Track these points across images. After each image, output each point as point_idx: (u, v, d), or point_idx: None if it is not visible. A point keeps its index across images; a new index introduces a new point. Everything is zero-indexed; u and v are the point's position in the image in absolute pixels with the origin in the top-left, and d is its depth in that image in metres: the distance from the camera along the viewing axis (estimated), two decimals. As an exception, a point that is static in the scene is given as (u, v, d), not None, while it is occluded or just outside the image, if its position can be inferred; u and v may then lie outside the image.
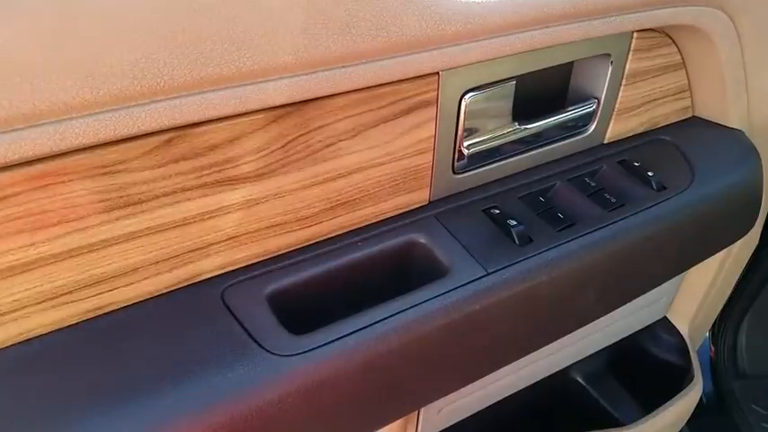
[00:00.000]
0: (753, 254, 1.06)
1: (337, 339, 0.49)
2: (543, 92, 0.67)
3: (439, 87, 0.53)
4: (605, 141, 0.71)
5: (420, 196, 0.59)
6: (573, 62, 0.67)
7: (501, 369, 0.79)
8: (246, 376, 0.45)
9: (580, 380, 1.01)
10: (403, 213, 0.59)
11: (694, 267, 0.96)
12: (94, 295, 0.46)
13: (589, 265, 0.60)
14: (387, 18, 0.46)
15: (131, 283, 0.47)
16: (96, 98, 0.38)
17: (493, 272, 0.55)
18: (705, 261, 0.93)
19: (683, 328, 1.04)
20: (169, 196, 0.45)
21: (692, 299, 1.01)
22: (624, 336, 1.01)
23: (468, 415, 0.87)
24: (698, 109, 0.77)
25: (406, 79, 0.51)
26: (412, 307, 0.51)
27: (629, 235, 0.62)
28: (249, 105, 0.44)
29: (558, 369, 0.95)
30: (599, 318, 0.67)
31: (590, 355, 1.00)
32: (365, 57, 0.46)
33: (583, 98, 0.67)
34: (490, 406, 0.89)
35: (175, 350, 0.46)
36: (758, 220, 0.94)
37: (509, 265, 0.56)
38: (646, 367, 1.07)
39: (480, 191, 0.63)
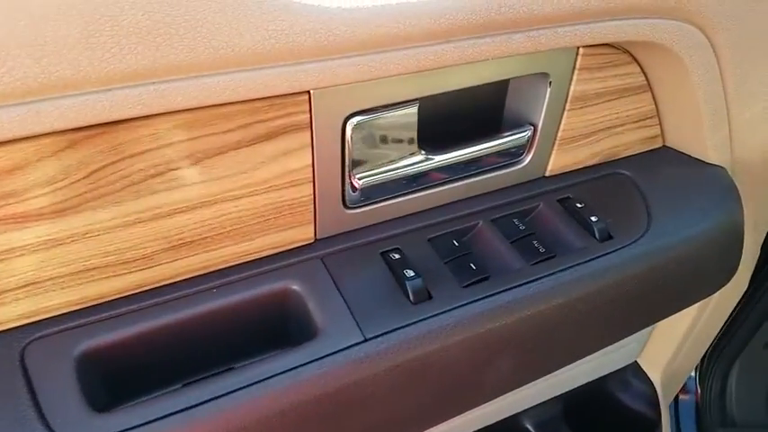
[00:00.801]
0: (743, 297, 0.94)
1: (152, 422, 0.39)
2: (471, 117, 0.56)
3: (311, 109, 0.43)
4: (547, 175, 0.60)
5: (302, 234, 0.49)
6: (508, 82, 0.56)
7: None
8: None
9: (531, 429, 0.90)
10: (282, 253, 0.49)
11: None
12: None
13: (501, 329, 0.49)
14: (216, 23, 0.36)
15: None
16: None
17: (372, 338, 0.45)
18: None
19: (655, 376, 0.93)
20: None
21: (665, 345, 0.90)
22: (587, 381, 0.90)
23: None
24: (669, 139, 0.65)
25: (260, 99, 0.41)
26: (255, 383, 0.42)
27: (555, 295, 0.51)
28: (29, 128, 0.34)
29: (507, 415, 0.85)
30: (518, 387, 0.56)
31: (546, 405, 0.89)
32: (187, 70, 0.36)
33: (518, 124, 0.56)
34: None
35: None
36: (745, 266, 0.83)
37: (393, 331, 0.46)
38: (608, 417, 0.96)
39: (382, 228, 0.53)
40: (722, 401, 1.21)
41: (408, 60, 0.43)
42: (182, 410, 0.39)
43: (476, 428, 0.82)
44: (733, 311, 1.01)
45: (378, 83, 0.45)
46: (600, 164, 0.62)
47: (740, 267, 0.66)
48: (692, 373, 1.22)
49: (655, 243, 0.55)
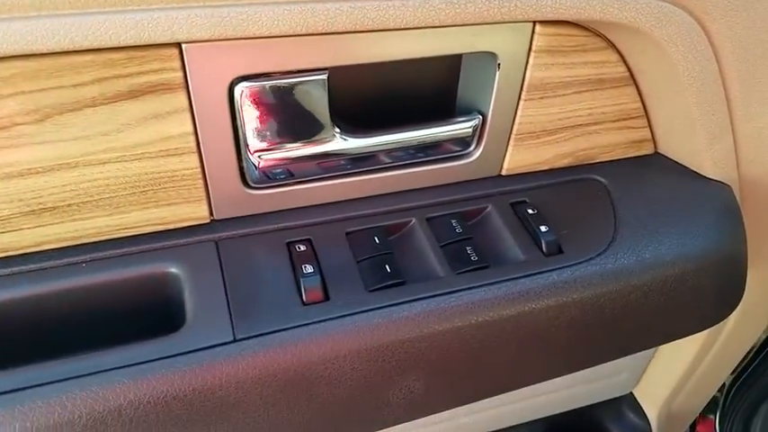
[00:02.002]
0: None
1: None
2: (415, 100, 0.49)
3: (185, 67, 0.37)
4: (503, 174, 0.52)
5: (193, 212, 0.44)
6: (460, 64, 0.49)
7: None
8: None
9: None
10: (173, 231, 0.44)
11: (663, 345, 0.75)
12: None
13: (407, 344, 0.43)
14: None
15: None
16: None
17: (242, 339, 0.40)
18: (674, 343, 0.73)
19: (652, 412, 0.83)
20: None
21: (664, 379, 0.80)
22: (575, 407, 0.81)
23: None
24: (662, 145, 0.56)
25: (113, 49, 0.35)
26: (89, 374, 0.37)
27: (478, 311, 0.44)
28: None
29: None
30: (431, 414, 0.49)
31: (527, 425, 0.81)
32: (9, 10, 0.32)
33: (467, 113, 0.49)
34: None
35: None
36: (764, 299, 0.72)
37: (270, 333, 0.40)
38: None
39: (295, 216, 0.47)
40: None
41: (302, 17, 0.36)
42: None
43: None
44: (755, 348, 0.90)
45: (275, 44, 0.39)
46: (571, 167, 0.54)
47: (758, 300, 0.57)
48: (715, 417, 1.10)
49: (612, 264, 0.47)
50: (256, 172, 0.44)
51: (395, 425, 0.48)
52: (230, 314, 0.41)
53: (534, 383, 0.52)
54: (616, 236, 0.49)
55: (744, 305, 0.69)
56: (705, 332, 0.72)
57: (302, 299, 0.42)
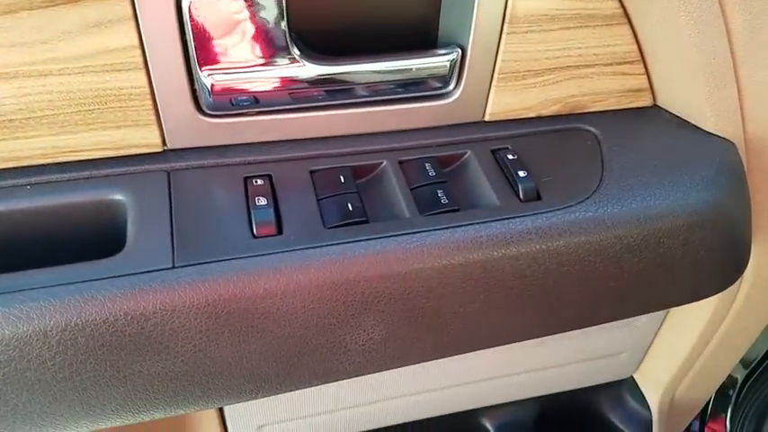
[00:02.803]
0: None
1: None
2: (389, 27, 0.46)
3: None
4: (486, 119, 0.49)
5: (144, 138, 0.42)
6: None
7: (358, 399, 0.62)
8: None
9: (490, 429, 0.79)
10: (124, 158, 0.42)
11: (666, 324, 0.71)
12: None
13: (364, 285, 0.40)
14: None
15: None
16: None
17: (181, 266, 0.37)
18: (679, 315, 0.68)
19: (653, 397, 0.79)
20: None
21: (666, 364, 0.76)
22: (567, 389, 0.77)
23: None
24: (662, 96, 0.52)
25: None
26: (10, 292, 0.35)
27: (442, 254, 0.41)
28: None
29: (465, 408, 0.74)
30: (394, 367, 0.46)
31: (515, 405, 0.78)
32: None
33: (447, 45, 0.46)
34: None
35: None
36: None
37: (211, 262, 0.37)
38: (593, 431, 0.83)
39: (256, 151, 0.44)
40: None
41: None
42: None
43: (424, 416, 0.73)
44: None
45: None
46: (561, 116, 0.50)
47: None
48: (726, 415, 1.05)
49: (592, 213, 0.43)
50: (210, 97, 0.42)
51: (356, 375, 0.45)
52: (172, 242, 0.38)
53: (505, 343, 0.48)
54: (601, 185, 0.45)
55: (750, 284, 0.64)
56: (709, 311, 0.67)
57: (253, 232, 0.40)
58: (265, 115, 0.44)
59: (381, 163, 0.45)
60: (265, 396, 0.43)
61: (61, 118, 0.39)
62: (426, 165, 0.45)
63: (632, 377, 0.80)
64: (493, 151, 0.47)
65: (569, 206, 0.44)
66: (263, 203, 0.40)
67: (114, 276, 0.36)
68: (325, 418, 0.67)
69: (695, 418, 0.99)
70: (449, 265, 0.41)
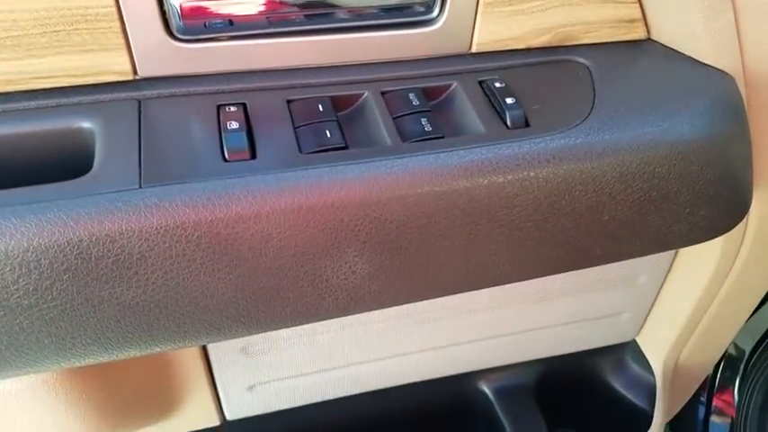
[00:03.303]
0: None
1: None
2: None
3: None
4: (473, 51, 0.47)
5: (114, 63, 0.40)
6: None
7: (357, 359, 0.61)
8: None
9: (487, 393, 0.77)
10: (91, 86, 0.41)
11: (667, 283, 0.69)
12: None
13: (343, 211, 0.38)
14: None
15: None
16: None
17: (148, 187, 0.36)
18: (680, 273, 0.66)
19: (657, 362, 0.77)
20: None
21: (668, 325, 0.73)
22: (566, 352, 0.75)
23: (301, 404, 0.67)
24: (656, 29, 0.50)
25: None
26: None
27: (425, 178, 0.39)
28: None
29: (460, 371, 0.72)
30: (376, 307, 0.44)
31: (514, 369, 0.76)
32: None
33: None
34: (336, 400, 0.69)
35: None
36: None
37: (179, 183, 0.36)
38: (589, 399, 0.80)
39: (230, 80, 0.43)
40: (762, 420, 1.01)
41: None
42: None
43: (419, 379, 0.71)
44: None
45: None
46: (552, 48, 0.49)
47: None
48: (734, 386, 1.03)
49: (582, 138, 0.42)
50: (180, 20, 0.40)
51: (339, 314, 0.43)
52: (140, 166, 0.37)
53: (492, 285, 0.47)
54: (592, 113, 0.43)
55: (753, 238, 0.62)
56: (711, 268, 0.65)
57: (224, 156, 0.38)
58: (240, 40, 0.42)
59: (363, 94, 0.44)
60: (245, 334, 0.42)
61: (27, 40, 0.38)
62: (410, 95, 0.44)
63: (635, 341, 0.78)
64: (480, 82, 0.45)
65: (559, 132, 0.42)
66: (234, 127, 0.39)
67: (78, 197, 0.34)
68: (317, 378, 0.65)
69: (702, 389, 0.97)
70: (432, 192, 0.39)
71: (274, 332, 0.59)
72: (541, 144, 0.41)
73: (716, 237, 0.52)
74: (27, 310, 0.35)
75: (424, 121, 0.42)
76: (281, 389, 0.65)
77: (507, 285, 0.63)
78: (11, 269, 0.34)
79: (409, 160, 0.39)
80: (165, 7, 0.39)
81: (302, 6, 0.42)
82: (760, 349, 1.00)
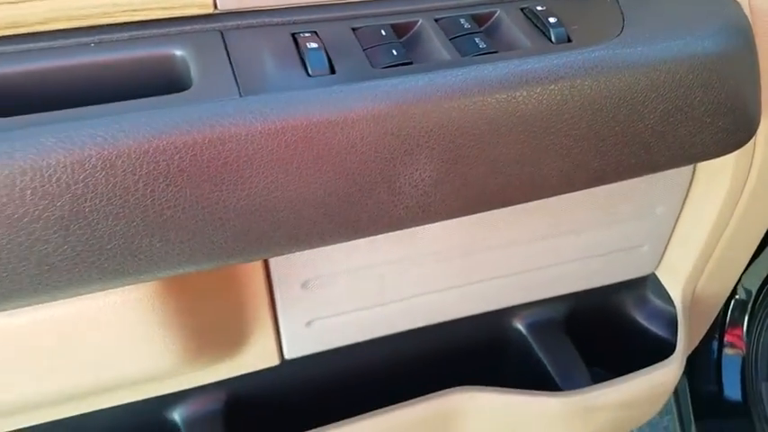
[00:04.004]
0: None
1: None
2: None
3: None
4: None
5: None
6: None
7: (402, 292, 0.64)
8: None
9: (521, 329, 0.82)
10: (175, 20, 0.45)
11: (683, 214, 0.74)
12: None
13: (414, 125, 0.42)
14: None
15: None
16: None
17: (249, 96, 0.40)
18: (694, 208, 0.72)
19: (675, 292, 0.82)
20: None
21: (685, 255, 0.79)
22: (592, 286, 0.80)
23: (353, 342, 0.72)
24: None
25: None
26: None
27: (485, 87, 0.43)
28: None
29: (493, 308, 0.77)
30: (451, 216, 0.48)
31: (544, 305, 0.81)
32: None
33: None
34: (384, 338, 0.73)
35: None
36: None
37: (275, 93, 0.40)
38: (615, 332, 0.85)
39: (300, 12, 0.47)
40: (772, 356, 1.07)
41: None
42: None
43: (454, 317, 0.75)
44: None
45: None
46: (580, -19, 0.54)
47: None
48: (743, 323, 1.08)
49: (620, 50, 0.47)
50: None
51: (409, 224, 0.48)
52: (236, 81, 0.41)
53: (549, 195, 0.51)
54: (624, 31, 0.49)
55: (761, 162, 0.67)
56: (722, 194, 0.70)
57: (308, 72, 0.42)
58: (310, -23, 0.47)
59: (418, 21, 0.48)
60: (329, 243, 0.46)
61: (124, -27, 0.42)
62: (461, 20, 0.48)
63: (654, 274, 0.83)
64: (522, 9, 0.50)
65: (599, 45, 0.47)
66: (314, 46, 0.43)
67: (190, 104, 0.39)
68: (370, 313, 0.69)
69: (715, 327, 1.03)
70: (493, 98, 0.44)
71: (334, 266, 0.63)
72: (585, 54, 0.46)
73: (732, 150, 0.57)
74: (144, 212, 0.39)
75: (477, 39, 0.47)
76: (335, 325, 0.69)
77: (534, 221, 0.68)
78: (132, 171, 0.38)
79: (471, 69, 0.44)
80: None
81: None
82: (765, 290, 1.06)
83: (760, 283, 1.05)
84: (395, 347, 0.75)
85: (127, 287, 0.50)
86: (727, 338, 1.05)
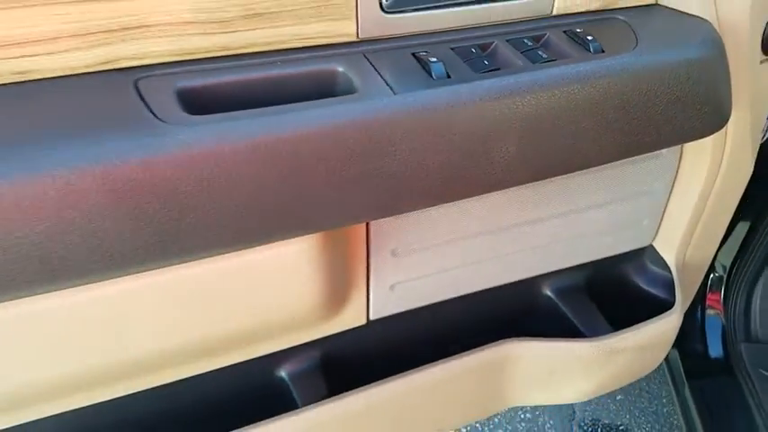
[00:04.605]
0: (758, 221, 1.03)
1: (236, 121, 0.53)
2: None
3: None
4: (554, 13, 0.72)
5: (346, 28, 0.63)
6: None
7: (463, 261, 0.81)
8: (141, 141, 0.50)
9: (551, 294, 1.00)
10: (329, 45, 0.63)
11: (678, 183, 0.94)
12: (16, 57, 0.52)
13: (507, 111, 0.61)
14: None
15: (52, 53, 0.53)
16: None
17: (401, 94, 0.58)
18: (682, 185, 0.92)
19: (670, 258, 1.01)
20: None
21: (677, 227, 0.98)
22: (604, 256, 0.99)
23: (424, 304, 0.88)
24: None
25: None
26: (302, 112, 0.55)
27: (552, 84, 0.62)
28: None
29: (526, 276, 0.95)
30: (522, 182, 0.67)
31: (566, 274, 0.99)
32: None
33: None
34: (446, 301, 0.90)
35: (83, 116, 0.51)
36: (749, 151, 0.91)
37: (418, 90, 0.58)
38: (625, 294, 1.04)
39: (413, 37, 0.66)
40: (747, 319, 1.27)
41: None
42: (262, 117, 0.53)
43: (500, 282, 0.93)
44: (751, 230, 1.09)
45: None
46: (600, 11, 0.74)
47: (744, 144, 0.76)
48: (720, 292, 1.29)
49: (639, 58, 0.66)
50: (388, 1, 0.63)
51: (497, 187, 0.66)
52: (389, 86, 0.59)
53: (592, 165, 0.70)
54: (638, 45, 0.68)
55: (731, 148, 0.88)
56: (704, 173, 0.90)
57: (432, 77, 0.61)
58: (423, 11, 0.65)
59: (494, 42, 0.67)
60: (442, 202, 0.64)
61: (300, 12, 0.60)
62: (524, 39, 0.68)
63: (652, 246, 1.03)
64: (564, 31, 0.70)
65: (623, 54, 0.66)
66: (434, 60, 0.62)
67: (364, 101, 0.56)
68: (444, 276, 0.86)
69: (698, 297, 1.23)
70: (557, 92, 0.63)
71: (420, 237, 0.80)
72: (617, 60, 0.65)
73: (713, 132, 0.77)
74: (326, 178, 0.56)
75: (540, 52, 0.66)
76: (411, 289, 0.86)
77: (556, 201, 0.86)
78: (331, 146, 0.55)
79: (542, 71, 0.63)
80: (383, -6, 0.62)
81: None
82: (737, 264, 1.27)
83: (732, 257, 1.26)
84: (453, 309, 0.92)
85: (291, 240, 0.66)
86: (708, 304, 1.25)
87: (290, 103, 0.58)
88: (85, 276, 0.51)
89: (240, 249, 0.58)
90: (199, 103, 0.56)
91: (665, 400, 1.93)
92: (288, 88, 0.60)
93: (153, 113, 0.52)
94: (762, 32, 0.79)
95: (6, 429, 0.72)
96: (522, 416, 1.90)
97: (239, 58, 0.59)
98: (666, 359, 1.35)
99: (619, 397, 1.94)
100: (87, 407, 0.74)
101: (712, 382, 1.26)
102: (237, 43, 0.59)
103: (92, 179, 0.48)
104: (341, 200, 0.58)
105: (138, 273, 0.54)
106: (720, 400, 1.24)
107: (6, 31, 0.51)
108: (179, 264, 0.55)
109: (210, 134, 0.51)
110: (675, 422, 1.89)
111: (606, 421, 1.89)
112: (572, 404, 1.91)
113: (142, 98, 0.54)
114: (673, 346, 1.28)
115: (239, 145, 0.52)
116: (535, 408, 1.92)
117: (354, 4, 0.62)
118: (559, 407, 1.93)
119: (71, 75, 0.54)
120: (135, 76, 0.56)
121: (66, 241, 0.48)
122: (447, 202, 0.64)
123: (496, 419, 1.88)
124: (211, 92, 0.57)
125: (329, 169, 0.56)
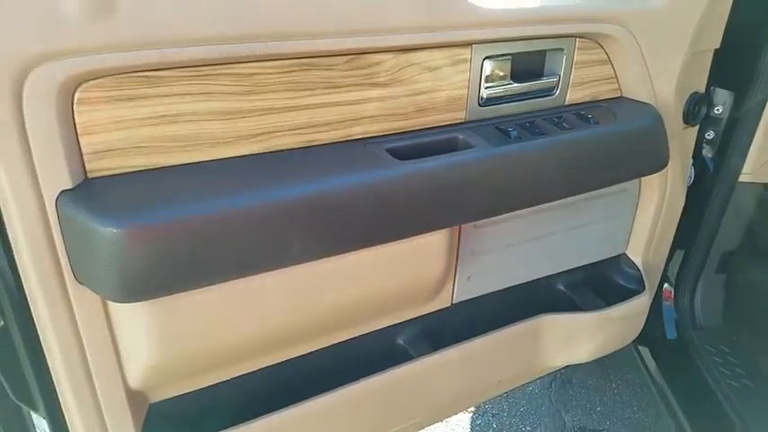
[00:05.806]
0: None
1: (424, 163, 1.00)
2: (529, 68, 1.20)
3: (471, 53, 1.07)
4: (566, 103, 1.23)
5: (459, 116, 1.11)
6: (545, 52, 1.20)
7: (514, 261, 1.27)
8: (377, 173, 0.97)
9: (563, 289, 1.48)
10: (453, 124, 1.11)
11: (639, 210, 1.45)
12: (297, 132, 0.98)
13: (548, 154, 1.10)
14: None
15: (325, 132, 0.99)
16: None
17: (497, 146, 1.07)
18: (641, 211, 1.42)
19: (638, 261, 1.51)
20: (337, 88, 0.98)
21: (641, 237, 1.48)
22: (595, 260, 1.48)
23: (487, 292, 1.34)
24: (624, 91, 1.29)
25: (454, 45, 1.04)
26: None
27: (571, 142, 1.12)
28: None
29: (542, 275, 1.41)
30: (555, 197, 1.16)
31: (570, 273, 1.47)
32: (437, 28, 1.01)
33: (551, 74, 1.20)
34: (501, 290, 1.35)
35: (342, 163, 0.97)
36: (682, 187, 1.43)
37: (505, 145, 1.07)
38: (610, 285, 1.52)
39: (494, 118, 1.15)
40: (692, 312, 1.75)
41: (509, 33, 1.08)
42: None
43: (529, 279, 1.39)
44: (693, 240, 1.60)
45: (495, 45, 1.09)
46: (590, 101, 1.26)
47: (677, 183, 1.29)
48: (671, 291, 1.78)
49: (618, 126, 1.18)
50: (483, 99, 1.13)
51: (541, 201, 1.15)
52: (489, 143, 1.08)
53: (591, 188, 1.20)
54: (616, 119, 1.20)
55: (671, 182, 1.40)
56: (656, 197, 1.41)
57: (510, 137, 1.10)
58: (499, 104, 1.15)
59: (536, 119, 1.18)
60: (514, 209, 1.12)
61: (441, 108, 1.09)
62: (553, 118, 1.18)
63: (625, 253, 1.52)
64: (573, 113, 1.21)
65: (610, 125, 1.17)
66: (511, 129, 1.11)
67: (476, 151, 1.05)
68: (491, 276, 1.33)
69: (658, 293, 1.72)
70: (577, 145, 1.13)
71: (489, 241, 1.27)
72: (607, 128, 1.16)
73: (658, 170, 1.29)
74: (463, 190, 1.03)
75: (565, 125, 1.16)
76: (479, 281, 1.31)
77: (565, 218, 1.35)
78: (467, 174, 1.03)
79: (567, 134, 1.12)
80: (479, 95, 1.12)
81: (517, 95, 1.17)
82: (680, 274, 1.76)
83: (679, 265, 1.76)
84: (505, 296, 1.37)
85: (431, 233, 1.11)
86: (664, 301, 1.75)
87: (442, 153, 1.04)
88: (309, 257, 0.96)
89: (408, 237, 1.03)
90: (402, 155, 1.02)
91: (635, 408, 2.43)
92: (440, 145, 1.07)
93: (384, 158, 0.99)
94: (682, 110, 1.33)
95: (222, 382, 1.12)
96: (523, 429, 2.36)
97: (414, 133, 1.06)
98: (638, 352, 1.82)
99: (599, 408, 2.44)
100: (287, 361, 1.14)
101: (674, 361, 1.74)
102: (411, 125, 1.07)
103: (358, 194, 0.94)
104: (469, 202, 1.04)
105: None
106: (680, 371, 1.71)
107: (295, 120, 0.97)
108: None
109: (412, 169, 0.98)
110: (645, 423, 2.38)
111: (591, 427, 2.37)
112: (562, 416, 2.38)
113: (370, 152, 1.00)
114: (642, 343, 1.75)
115: (426, 174, 0.99)
116: (534, 421, 2.38)
117: (466, 103, 1.11)
118: (552, 419, 2.39)
119: (329, 143, 1.01)
120: (364, 143, 1.02)
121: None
122: (517, 209, 1.12)
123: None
124: (409, 148, 1.04)
125: (466, 185, 1.03)
